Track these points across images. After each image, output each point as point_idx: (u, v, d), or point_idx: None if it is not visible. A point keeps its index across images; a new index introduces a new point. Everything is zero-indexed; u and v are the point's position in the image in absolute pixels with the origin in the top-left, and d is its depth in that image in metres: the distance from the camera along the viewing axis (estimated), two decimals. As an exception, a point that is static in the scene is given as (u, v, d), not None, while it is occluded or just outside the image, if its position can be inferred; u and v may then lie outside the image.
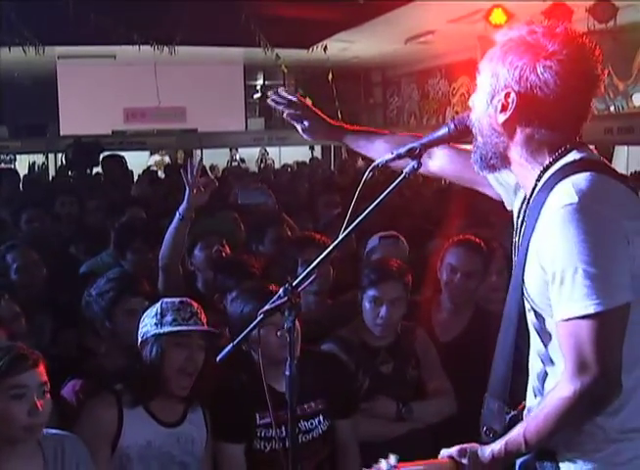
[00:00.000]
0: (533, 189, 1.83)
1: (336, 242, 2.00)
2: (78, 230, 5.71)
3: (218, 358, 2.12)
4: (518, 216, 1.96)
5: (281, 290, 1.97)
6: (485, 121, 1.84)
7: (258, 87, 19.98)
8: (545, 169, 1.80)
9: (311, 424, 2.89)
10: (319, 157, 18.18)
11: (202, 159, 3.97)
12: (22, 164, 16.18)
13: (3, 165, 15.15)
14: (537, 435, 1.80)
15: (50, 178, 13.93)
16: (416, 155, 1.91)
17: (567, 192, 1.68)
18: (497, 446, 1.89)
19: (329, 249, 2.03)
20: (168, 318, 2.64)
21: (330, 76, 13.54)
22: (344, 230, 1.97)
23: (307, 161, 15.58)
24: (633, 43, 9.95)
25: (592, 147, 1.88)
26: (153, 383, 2.65)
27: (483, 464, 1.89)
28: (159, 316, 2.65)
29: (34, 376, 2.26)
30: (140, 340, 2.68)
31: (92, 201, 6.38)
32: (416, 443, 2.94)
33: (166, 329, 2.61)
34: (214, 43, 12.89)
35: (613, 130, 9.14)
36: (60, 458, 2.36)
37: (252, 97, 19.75)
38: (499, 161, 1.87)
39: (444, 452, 1.94)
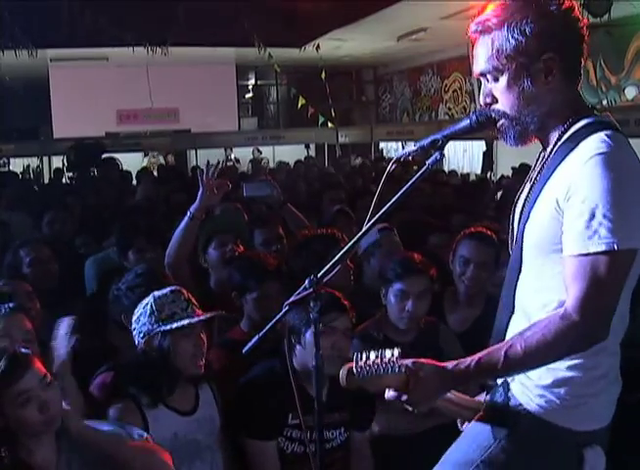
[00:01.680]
0: (555, 143, 1.90)
1: (359, 234, 2.03)
2: (81, 231, 5.71)
3: (244, 350, 2.13)
4: (531, 179, 2.01)
5: (306, 281, 2.00)
6: (527, 95, 1.89)
7: (251, 87, 20.03)
8: (571, 125, 1.88)
9: (332, 434, 2.91)
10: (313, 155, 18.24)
11: (218, 162, 3.95)
12: (15, 168, 16.13)
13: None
14: (524, 351, 1.77)
15: (46, 181, 13.92)
16: (438, 146, 1.95)
17: (600, 142, 1.77)
18: (467, 359, 1.85)
19: (352, 241, 2.06)
20: (167, 312, 2.64)
21: (322, 75, 13.57)
22: (368, 222, 2.00)
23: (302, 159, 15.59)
24: (626, 37, 10.03)
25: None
26: (168, 378, 2.67)
27: (444, 375, 1.84)
28: (156, 313, 2.65)
29: (33, 376, 2.24)
30: (142, 339, 2.69)
31: (94, 202, 6.40)
32: (442, 436, 2.96)
33: (173, 325, 2.62)
34: (206, 43, 12.88)
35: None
36: (78, 450, 2.39)
37: (245, 97, 19.78)
38: (537, 129, 1.94)
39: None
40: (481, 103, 2.00)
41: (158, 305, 2.66)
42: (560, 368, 1.87)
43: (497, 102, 1.94)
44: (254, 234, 4.37)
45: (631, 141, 1.87)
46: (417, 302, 3.21)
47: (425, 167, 1.93)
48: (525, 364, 1.83)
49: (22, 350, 2.33)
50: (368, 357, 1.81)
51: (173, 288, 2.75)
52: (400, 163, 2.09)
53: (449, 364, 1.87)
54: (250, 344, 2.13)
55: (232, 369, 3.05)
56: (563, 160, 1.83)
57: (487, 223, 3.88)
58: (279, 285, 3.35)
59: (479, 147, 14.75)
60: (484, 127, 1.96)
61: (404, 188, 1.94)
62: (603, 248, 1.71)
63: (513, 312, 2.02)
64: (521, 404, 1.94)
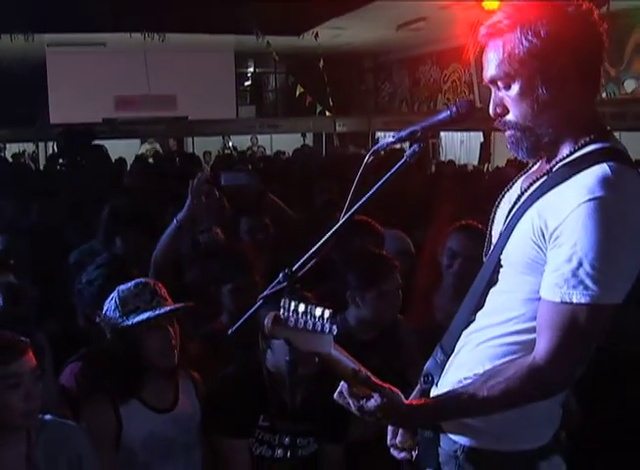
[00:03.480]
0: (560, 160, 1.78)
1: (336, 227, 1.97)
2: (70, 220, 5.66)
3: (230, 331, 2.08)
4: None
5: (280, 275, 1.95)
6: (541, 104, 1.75)
7: (249, 75, 19.93)
8: (581, 147, 1.75)
9: (301, 442, 2.84)
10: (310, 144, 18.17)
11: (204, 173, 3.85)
12: (11, 152, 16.10)
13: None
14: (484, 400, 1.73)
15: (41, 167, 13.88)
16: (417, 138, 1.88)
17: (599, 180, 1.64)
18: (423, 401, 1.87)
19: (328, 234, 2.00)
20: (131, 307, 2.60)
21: (321, 63, 13.50)
22: (344, 215, 1.95)
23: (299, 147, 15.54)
24: (625, 29, 9.96)
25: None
26: (137, 372, 2.64)
27: (398, 407, 1.84)
28: (120, 307, 2.62)
29: (26, 363, 2.24)
30: (109, 335, 2.65)
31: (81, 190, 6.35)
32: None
33: (136, 319, 2.57)
34: (205, 30, 12.81)
35: (605, 116, 9.15)
36: (58, 445, 2.34)
37: (243, 84, 19.68)
38: (551, 141, 1.81)
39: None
40: (491, 113, 1.87)
41: (121, 300, 2.63)
42: None
43: (508, 112, 1.82)
44: (240, 222, 4.32)
45: (629, 134, 1.79)
46: (396, 294, 3.17)
47: (403, 160, 1.87)
48: (485, 412, 1.80)
49: (22, 338, 2.30)
50: (297, 309, 1.73)
51: (138, 281, 2.69)
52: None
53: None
54: (234, 327, 2.08)
55: (213, 362, 3.01)
56: (559, 184, 1.71)
57: (470, 217, 3.78)
58: (254, 277, 3.31)
59: (476, 138, 14.68)
60: (465, 119, 1.87)
61: (380, 182, 1.88)
62: (587, 300, 1.63)
63: (468, 325, 1.96)
64: (455, 442, 1.89)
